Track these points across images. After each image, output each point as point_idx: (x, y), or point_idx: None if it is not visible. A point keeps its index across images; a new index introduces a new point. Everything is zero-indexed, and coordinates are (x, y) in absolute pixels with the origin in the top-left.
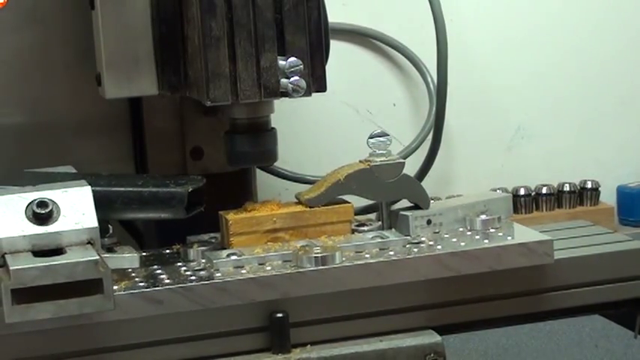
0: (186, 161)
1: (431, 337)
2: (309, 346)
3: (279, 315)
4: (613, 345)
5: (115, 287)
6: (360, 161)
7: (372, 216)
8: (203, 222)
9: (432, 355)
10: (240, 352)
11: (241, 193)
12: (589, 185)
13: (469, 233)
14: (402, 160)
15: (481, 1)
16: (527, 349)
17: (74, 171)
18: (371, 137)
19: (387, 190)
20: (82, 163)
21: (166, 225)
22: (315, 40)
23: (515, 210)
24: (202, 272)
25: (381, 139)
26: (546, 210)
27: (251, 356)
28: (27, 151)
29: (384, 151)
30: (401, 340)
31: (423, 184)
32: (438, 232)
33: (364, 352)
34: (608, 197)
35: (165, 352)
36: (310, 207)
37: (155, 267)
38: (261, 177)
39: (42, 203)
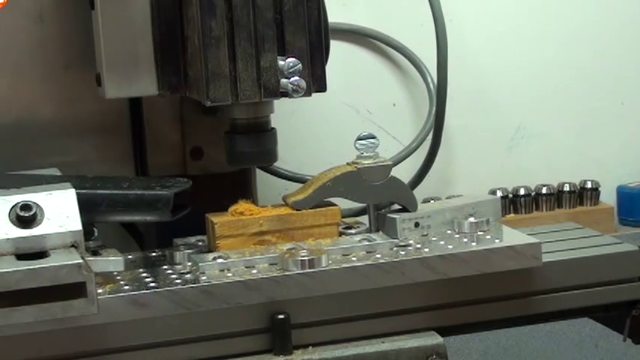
0: (186, 161)
1: (433, 339)
2: (310, 347)
3: (281, 316)
4: (613, 345)
5: (100, 290)
6: (348, 163)
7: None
8: (203, 223)
9: (434, 356)
10: (241, 353)
11: (241, 193)
12: (589, 185)
13: (457, 236)
14: (390, 163)
15: (481, 1)
16: (527, 349)
17: (59, 173)
18: (358, 139)
19: (375, 193)
20: (81, 164)
21: (166, 226)
22: (315, 40)
23: (515, 210)
24: (188, 275)
25: (368, 141)
26: (546, 210)
27: (252, 358)
28: (26, 152)
29: (372, 153)
30: (403, 342)
31: (423, 184)
32: (425, 235)
33: (366, 354)
34: (608, 197)
35: (166, 354)
36: (297, 210)
37: (141, 270)
38: (261, 177)
39: (26, 206)
